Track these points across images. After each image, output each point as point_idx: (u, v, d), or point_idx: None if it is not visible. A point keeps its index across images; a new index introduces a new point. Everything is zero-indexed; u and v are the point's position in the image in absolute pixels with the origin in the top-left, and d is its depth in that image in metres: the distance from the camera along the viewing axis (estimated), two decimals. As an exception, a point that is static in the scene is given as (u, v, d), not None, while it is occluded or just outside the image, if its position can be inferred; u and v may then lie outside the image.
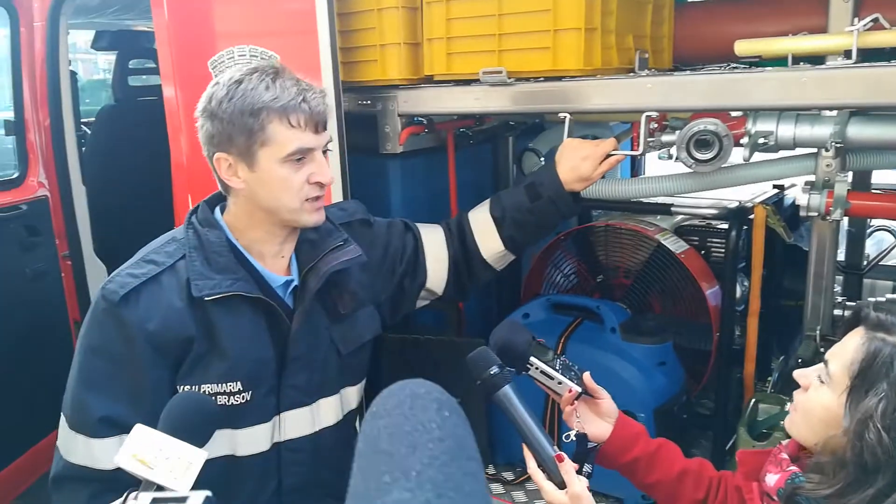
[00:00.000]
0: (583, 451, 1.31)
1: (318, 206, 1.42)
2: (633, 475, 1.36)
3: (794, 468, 1.15)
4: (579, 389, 1.34)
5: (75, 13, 3.11)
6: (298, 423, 1.50)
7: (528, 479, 2.09)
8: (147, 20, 3.55)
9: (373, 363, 2.12)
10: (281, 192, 1.38)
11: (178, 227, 1.48)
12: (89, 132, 3.67)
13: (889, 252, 2.68)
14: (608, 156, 1.70)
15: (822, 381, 1.11)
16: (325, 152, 1.42)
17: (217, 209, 1.48)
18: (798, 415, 1.16)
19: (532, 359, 1.33)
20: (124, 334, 1.34)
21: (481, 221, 1.78)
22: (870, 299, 2.20)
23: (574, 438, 1.32)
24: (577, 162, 1.68)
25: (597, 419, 1.36)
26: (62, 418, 1.41)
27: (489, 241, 1.77)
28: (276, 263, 1.47)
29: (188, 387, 1.38)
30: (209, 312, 1.37)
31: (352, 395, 1.62)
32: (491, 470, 2.17)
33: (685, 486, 1.31)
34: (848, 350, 1.07)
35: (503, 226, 1.75)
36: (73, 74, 3.23)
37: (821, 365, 1.13)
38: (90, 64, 12.02)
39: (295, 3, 1.95)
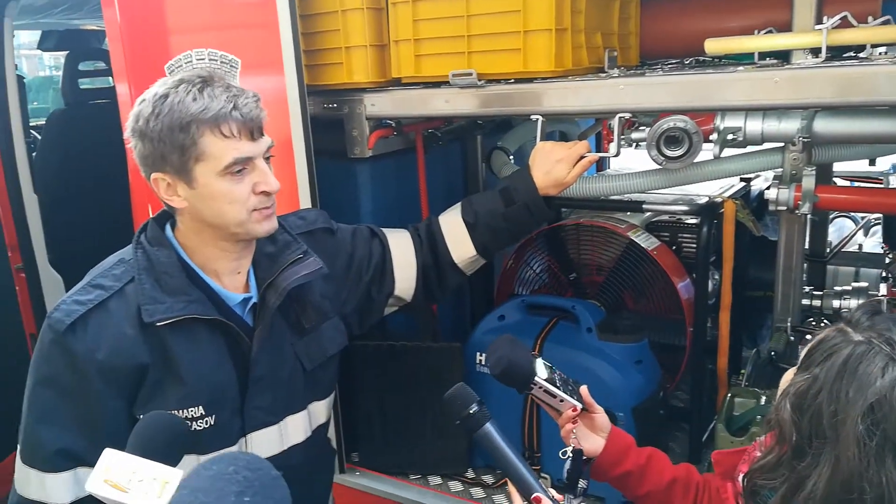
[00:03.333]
0: (578, 467, 1.29)
1: (267, 214, 1.35)
2: (624, 487, 1.35)
3: None
4: (581, 406, 1.31)
5: (20, 14, 2.99)
6: (266, 443, 1.45)
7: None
8: (98, 19, 3.43)
9: (347, 371, 2.09)
10: (225, 205, 1.31)
11: (128, 246, 1.40)
12: (39, 138, 3.54)
13: (851, 238, 2.74)
14: (581, 157, 1.69)
15: None
16: (268, 158, 1.35)
17: (168, 226, 1.41)
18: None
19: (536, 378, 1.29)
20: (73, 365, 1.29)
21: (453, 226, 1.75)
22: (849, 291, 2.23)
23: (570, 455, 1.30)
24: (550, 166, 1.66)
25: (590, 434, 1.35)
26: (17, 451, 1.36)
27: (461, 247, 1.74)
28: (232, 280, 1.41)
29: None
30: (163, 337, 1.31)
31: (320, 409, 1.58)
32: (470, 474, 2.15)
33: (675, 494, 1.31)
34: (816, 336, 1.07)
35: (476, 231, 1.72)
36: (21, 79, 3.10)
37: None
38: (35, 60, 11.60)
39: (256, 4, 1.88)
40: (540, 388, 1.30)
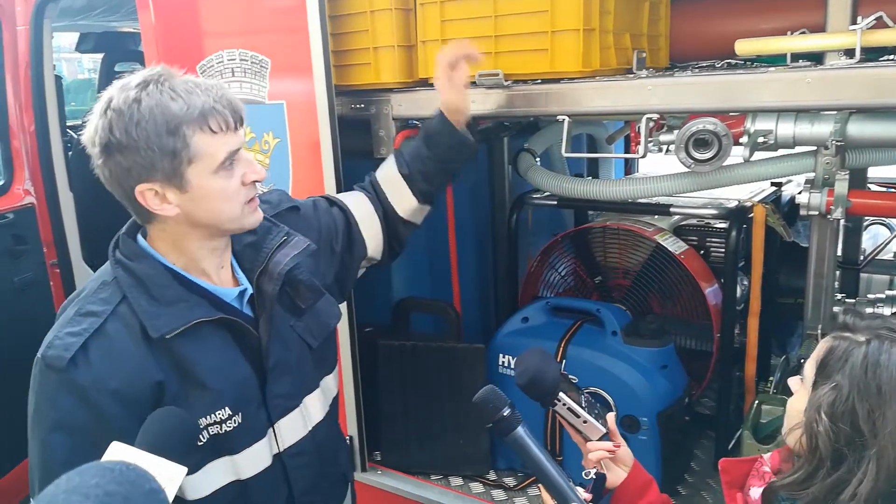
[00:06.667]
0: (599, 491, 1.25)
1: (256, 205, 1.33)
2: None
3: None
4: (604, 430, 1.27)
5: (59, 16, 3.06)
6: (292, 428, 1.45)
7: (530, 484, 2.10)
8: (133, 21, 3.50)
9: (370, 370, 2.10)
10: (220, 203, 1.27)
11: (105, 267, 1.32)
12: (76, 136, 3.62)
13: (886, 246, 2.67)
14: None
15: (801, 384, 1.13)
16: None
17: (139, 237, 1.32)
18: (785, 419, 1.16)
19: (561, 395, 1.25)
20: (84, 400, 1.20)
21: (391, 181, 1.75)
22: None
23: (593, 476, 1.26)
24: (446, 81, 1.66)
25: (612, 465, 1.31)
26: None
27: (404, 199, 1.75)
28: (221, 277, 1.38)
29: None
30: (175, 348, 1.26)
31: (331, 382, 1.58)
32: (492, 476, 2.15)
33: None
34: (818, 351, 1.10)
35: (413, 181, 1.73)
36: (59, 79, 3.17)
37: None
38: (74, 63, 11.90)
39: (286, 6, 1.91)
40: (564, 405, 1.26)
